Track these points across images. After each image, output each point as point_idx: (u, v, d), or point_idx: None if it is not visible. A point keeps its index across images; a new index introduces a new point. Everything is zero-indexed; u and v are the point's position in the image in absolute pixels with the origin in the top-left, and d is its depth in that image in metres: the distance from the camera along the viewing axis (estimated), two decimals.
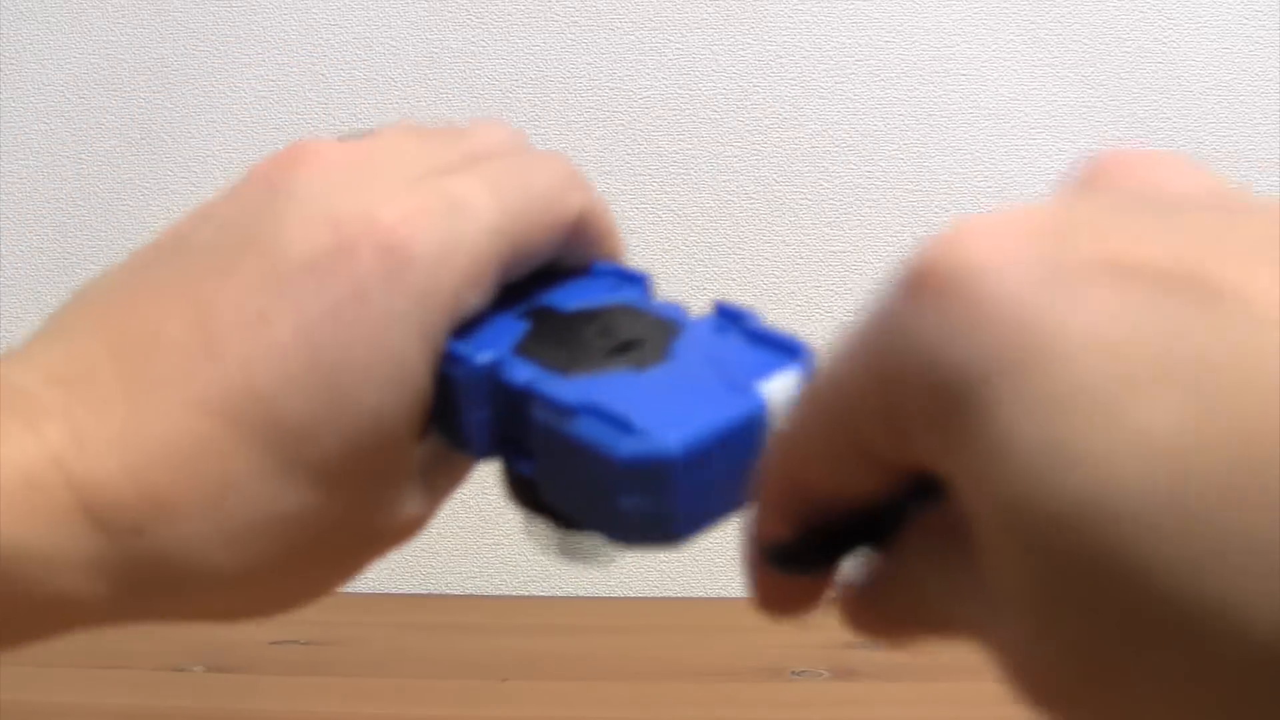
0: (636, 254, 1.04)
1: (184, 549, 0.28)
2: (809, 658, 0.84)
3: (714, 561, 0.99)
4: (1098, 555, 0.19)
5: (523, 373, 0.30)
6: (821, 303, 0.94)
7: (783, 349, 0.32)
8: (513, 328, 0.32)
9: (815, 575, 0.29)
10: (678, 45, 0.92)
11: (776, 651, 0.86)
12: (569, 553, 0.34)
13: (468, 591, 0.98)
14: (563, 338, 0.32)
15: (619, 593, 0.97)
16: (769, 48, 0.92)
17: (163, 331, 0.29)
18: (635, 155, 0.93)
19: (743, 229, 0.94)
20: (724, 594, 0.97)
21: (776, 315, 1.06)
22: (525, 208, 0.32)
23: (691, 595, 0.97)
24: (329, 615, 0.99)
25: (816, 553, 0.28)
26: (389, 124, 0.35)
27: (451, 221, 0.30)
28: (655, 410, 0.28)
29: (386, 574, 0.99)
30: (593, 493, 0.29)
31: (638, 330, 0.32)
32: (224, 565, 0.29)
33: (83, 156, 0.95)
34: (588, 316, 0.32)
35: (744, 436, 0.29)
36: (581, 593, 0.97)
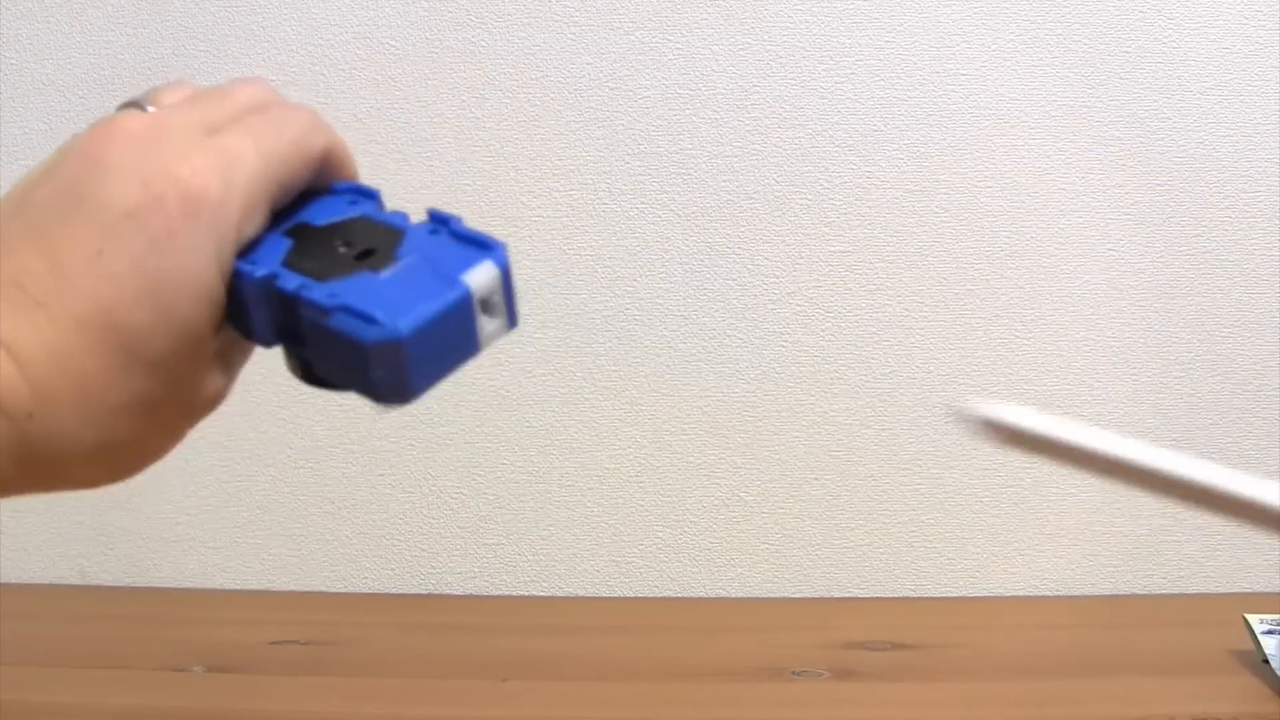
0: (636, 253, 1.04)
1: (62, 427, 0.38)
2: (809, 658, 0.84)
3: (714, 561, 0.99)
4: None
5: (291, 282, 0.40)
6: (821, 303, 0.94)
7: (480, 245, 0.43)
8: (280, 244, 0.42)
9: None
10: (678, 45, 0.92)
11: (776, 651, 0.86)
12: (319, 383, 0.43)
13: (468, 591, 0.98)
14: (317, 250, 0.42)
15: (619, 593, 0.97)
16: (769, 48, 0.92)
17: (28, 269, 0.38)
18: (635, 155, 0.93)
19: (743, 229, 0.94)
20: (724, 594, 0.97)
21: (777, 315, 1.06)
22: (282, 152, 0.42)
23: (691, 595, 0.97)
24: (329, 615, 0.99)
25: None
26: (165, 87, 0.44)
27: (230, 172, 0.40)
28: (389, 303, 0.39)
29: (386, 574, 0.99)
30: (351, 367, 0.39)
31: (372, 239, 0.42)
32: (89, 438, 0.38)
33: None
34: (334, 229, 0.43)
35: (455, 316, 0.40)
36: (581, 593, 0.97)
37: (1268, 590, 0.94)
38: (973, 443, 1.04)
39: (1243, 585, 0.96)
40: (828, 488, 0.96)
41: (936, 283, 0.94)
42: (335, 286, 0.40)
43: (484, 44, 0.93)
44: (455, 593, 0.97)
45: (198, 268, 0.39)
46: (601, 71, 0.92)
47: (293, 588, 0.97)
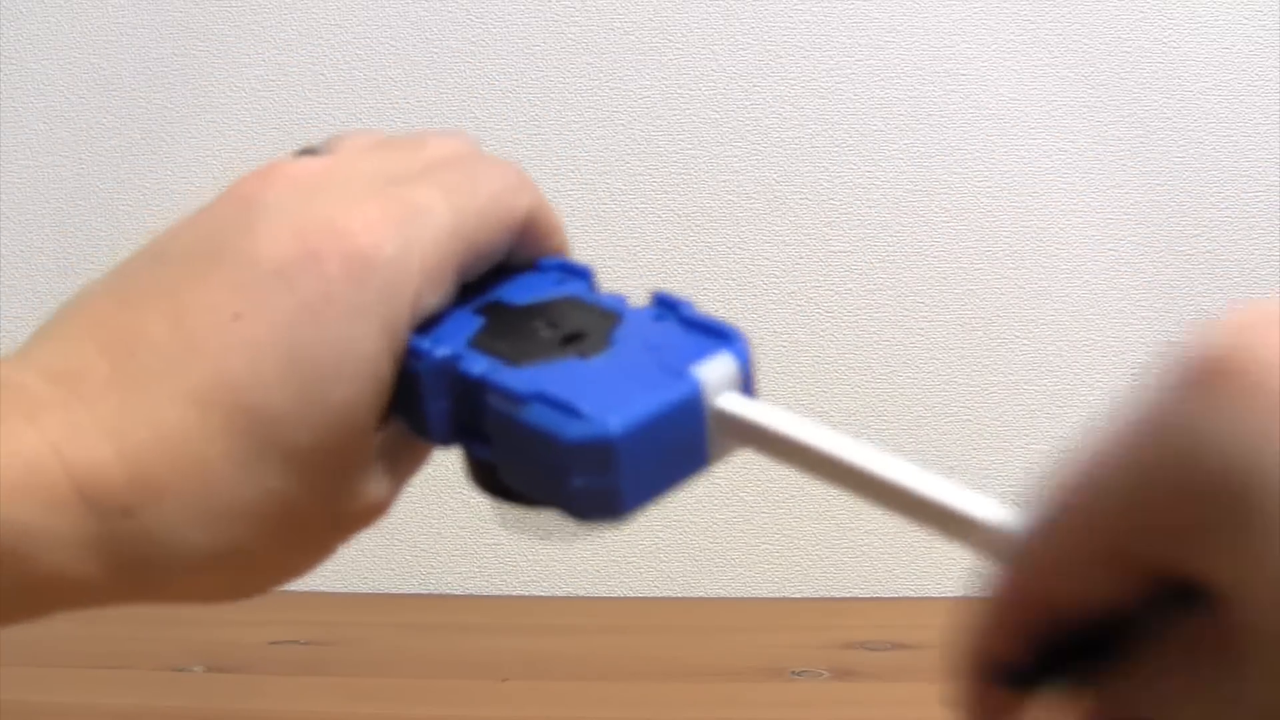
0: (636, 253, 1.05)
1: (168, 529, 0.30)
2: (809, 658, 0.84)
3: (714, 561, 0.99)
4: None
5: (478, 365, 0.33)
6: (821, 303, 0.94)
7: (716, 334, 0.34)
8: (469, 322, 0.34)
9: (1048, 691, 0.28)
10: (678, 45, 0.92)
11: (776, 651, 0.86)
12: (532, 531, 0.36)
13: (468, 591, 0.98)
14: (514, 331, 0.34)
15: (619, 593, 0.97)
16: (769, 48, 0.92)
17: (147, 331, 0.31)
18: (635, 155, 0.93)
19: (743, 229, 0.94)
20: (724, 594, 0.97)
21: (777, 315, 1.06)
22: (477, 210, 0.34)
23: (691, 595, 0.97)
24: (329, 615, 0.99)
25: (1051, 668, 0.28)
26: (349, 134, 0.38)
27: (410, 227, 0.32)
28: (598, 396, 0.31)
29: (386, 574, 0.99)
30: (546, 473, 0.32)
31: (582, 321, 0.35)
32: (203, 544, 0.31)
33: (83, 156, 0.95)
34: (536, 310, 0.35)
35: (681, 416, 0.32)
36: (581, 593, 0.97)
37: None
38: (972, 443, 1.04)
39: None
40: (827, 487, 0.96)
41: (936, 283, 0.94)
42: (533, 373, 0.32)
43: (484, 44, 0.93)
44: (455, 593, 0.97)
45: (359, 342, 0.31)
46: (601, 71, 0.92)
47: (293, 588, 0.97)
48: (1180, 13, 0.90)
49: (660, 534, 0.97)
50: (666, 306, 0.36)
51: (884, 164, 0.93)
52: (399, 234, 0.32)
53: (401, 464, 0.35)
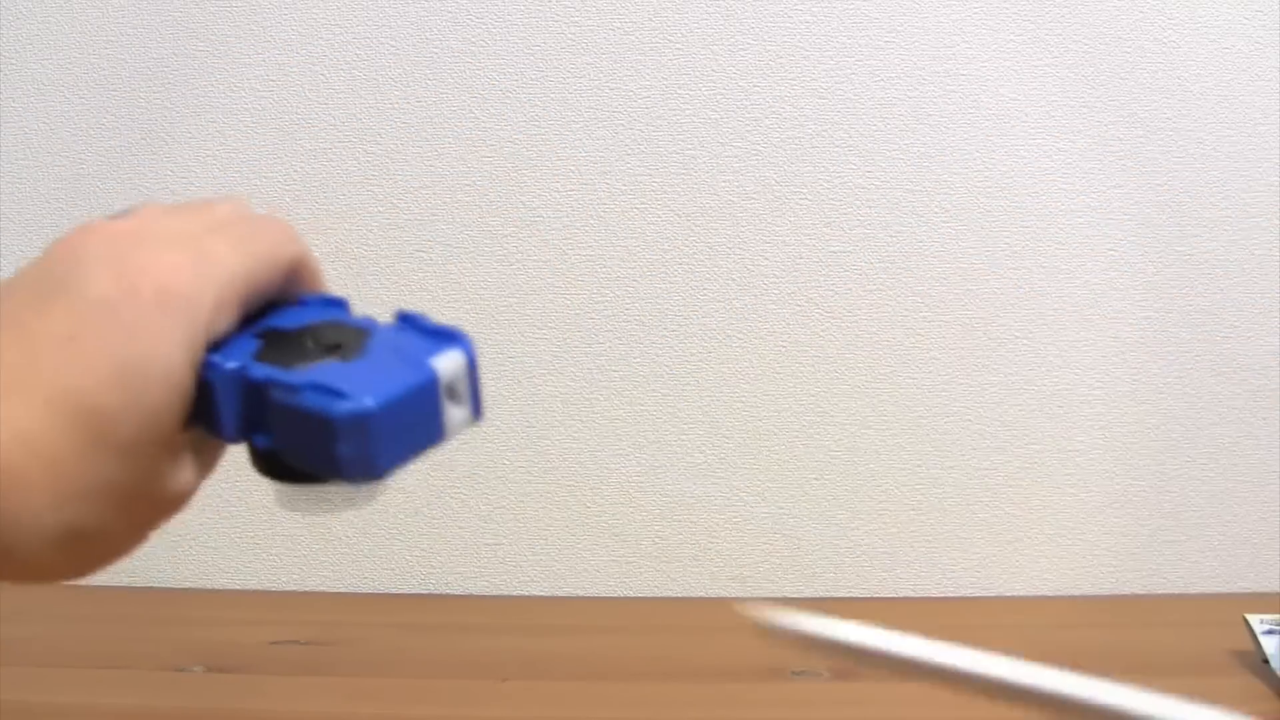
0: (636, 253, 1.04)
1: (27, 511, 0.38)
2: (809, 658, 0.84)
3: (714, 561, 0.99)
4: None
5: (261, 371, 0.41)
6: (821, 303, 0.94)
7: (447, 337, 0.43)
8: (250, 343, 0.43)
9: None
10: (678, 45, 0.92)
11: (776, 651, 0.86)
12: (308, 506, 0.44)
13: (468, 591, 0.98)
14: (287, 347, 0.43)
15: (619, 593, 0.97)
16: (769, 48, 0.92)
17: (2, 356, 0.38)
18: (635, 155, 0.93)
19: (743, 229, 0.94)
20: (724, 594, 0.97)
21: (777, 315, 1.06)
22: (256, 255, 0.44)
23: (691, 595, 0.97)
24: (329, 615, 0.99)
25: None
26: (146, 203, 0.46)
27: (205, 269, 0.41)
28: (357, 383, 0.40)
29: (386, 574, 0.99)
30: (318, 447, 0.40)
31: (341, 336, 0.43)
32: (55, 525, 0.38)
33: (83, 156, 0.95)
34: (304, 331, 0.44)
35: (421, 396, 0.41)
36: (581, 593, 0.97)
37: (1268, 590, 0.94)
38: (972, 443, 1.04)
39: (1243, 585, 0.96)
40: (828, 488, 0.96)
41: (936, 283, 0.94)
42: (305, 372, 0.41)
43: (484, 44, 0.93)
44: (455, 593, 0.97)
45: (168, 355, 0.40)
46: (601, 71, 0.92)
47: (293, 588, 0.97)
48: (1180, 13, 0.90)
49: (660, 534, 0.97)
50: (407, 321, 0.45)
51: (884, 164, 0.93)
52: (196, 274, 0.41)
53: (203, 459, 0.43)
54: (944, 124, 0.92)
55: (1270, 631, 0.82)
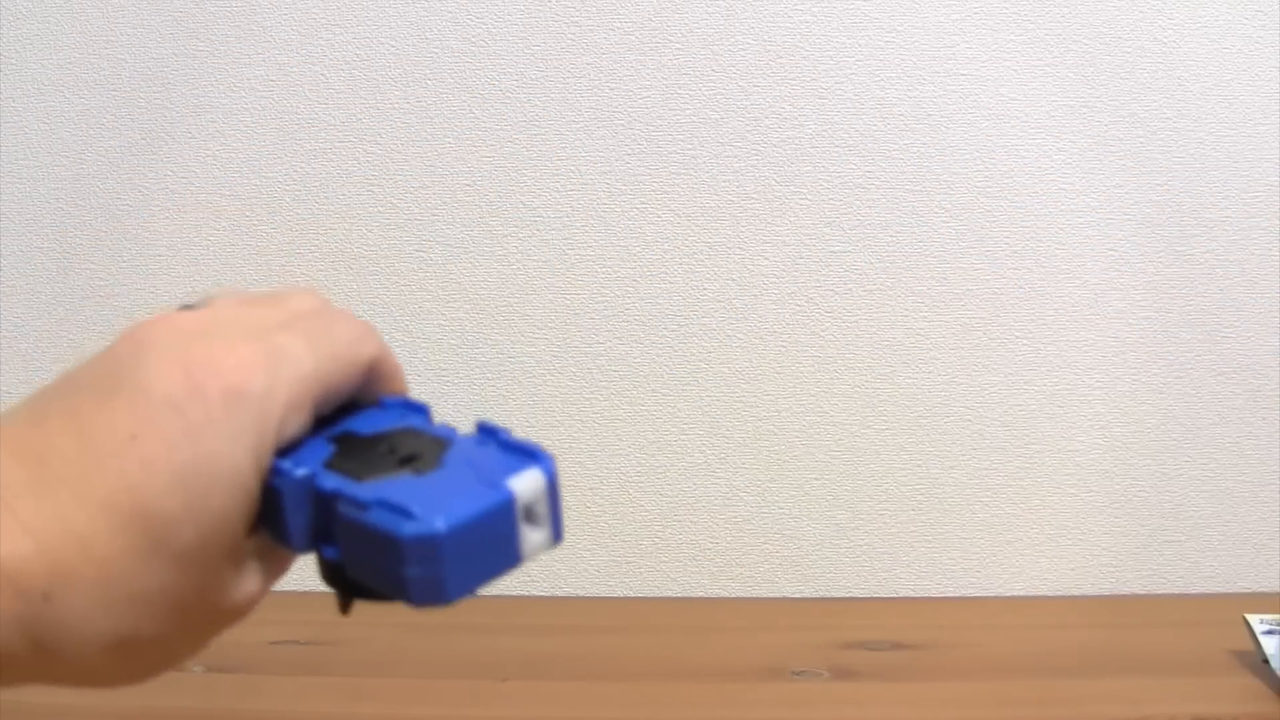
0: (636, 253, 1.04)
1: (80, 613, 0.37)
2: (809, 658, 0.84)
3: (714, 561, 0.99)
4: None
5: (331, 481, 0.39)
6: (821, 303, 0.94)
7: (527, 454, 0.41)
8: (323, 448, 0.41)
9: None
10: (678, 45, 0.92)
11: (776, 651, 0.86)
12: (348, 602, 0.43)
13: None
14: (361, 454, 0.41)
15: (619, 593, 0.97)
16: (769, 48, 0.92)
17: (57, 447, 0.37)
18: (635, 155, 0.93)
19: (743, 229, 0.94)
20: (724, 594, 0.97)
21: (776, 315, 1.06)
22: (332, 355, 0.41)
23: (691, 595, 0.97)
24: (329, 615, 0.99)
25: None
26: (219, 291, 0.44)
27: (277, 367, 0.39)
28: (429, 502, 0.38)
29: None
30: (384, 566, 0.38)
31: (418, 446, 0.41)
32: (108, 628, 0.37)
33: (83, 156, 0.95)
34: (380, 438, 0.42)
35: (495, 519, 0.39)
36: (581, 593, 0.97)
37: (1268, 590, 0.94)
38: (972, 443, 1.04)
39: (1243, 585, 0.96)
40: (828, 488, 0.96)
41: (936, 283, 0.94)
42: (375, 486, 0.39)
43: (484, 44, 0.93)
44: None
45: (233, 459, 0.38)
46: (601, 71, 0.92)
47: (293, 588, 0.97)
48: (1180, 13, 0.90)
49: (660, 534, 0.97)
50: (488, 433, 0.42)
51: (884, 164, 0.93)
52: (268, 372, 0.39)
53: (269, 567, 0.41)
54: (944, 124, 0.92)
55: (1270, 631, 0.82)
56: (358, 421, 0.43)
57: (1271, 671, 0.80)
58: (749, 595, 0.97)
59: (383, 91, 0.93)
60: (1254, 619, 0.83)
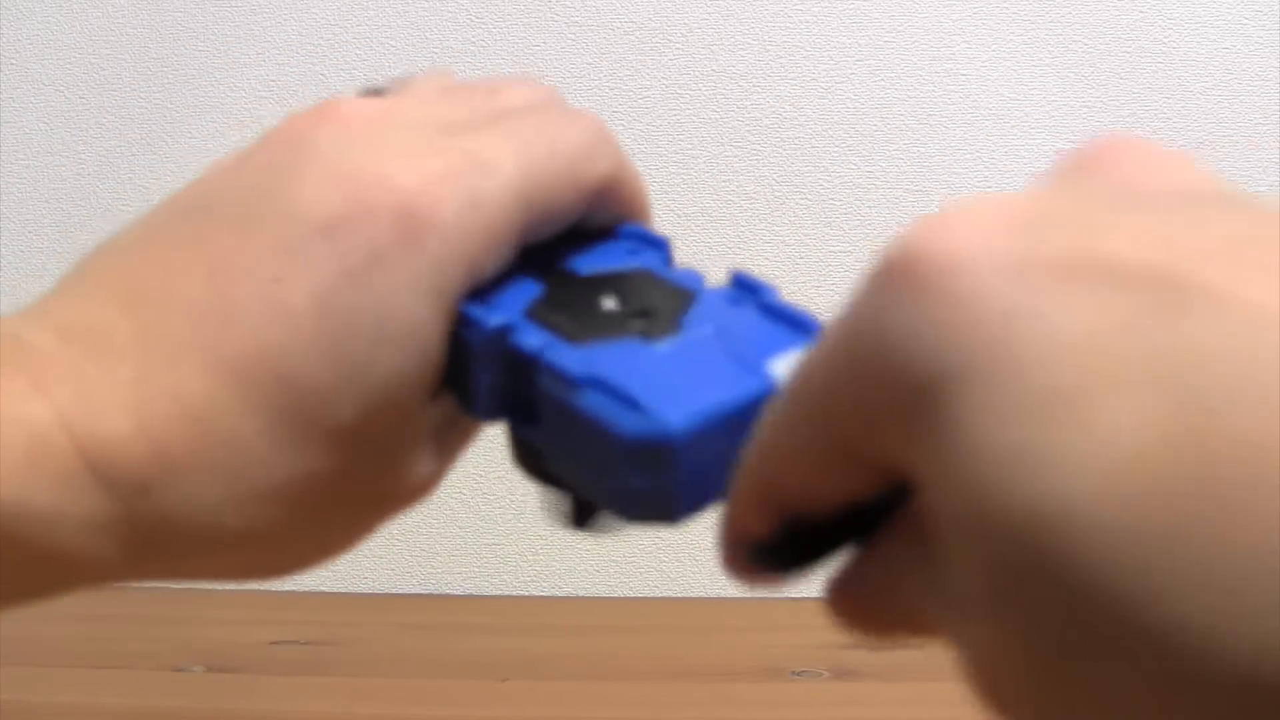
0: None
1: (193, 510, 0.28)
2: (809, 658, 0.84)
3: (714, 561, 0.99)
4: (1055, 566, 0.19)
5: (533, 338, 0.30)
6: (822, 303, 0.94)
7: (797, 325, 0.31)
8: (529, 290, 0.31)
9: (795, 571, 0.28)
10: (678, 45, 0.92)
11: (776, 651, 0.86)
12: (578, 523, 0.33)
13: (468, 591, 0.98)
14: (576, 303, 0.31)
15: (619, 593, 0.97)
16: (769, 48, 0.92)
17: (178, 291, 0.29)
18: (635, 155, 0.93)
19: (743, 229, 0.94)
20: (724, 594, 0.97)
21: None
22: (549, 169, 0.31)
23: (691, 595, 0.97)
24: (329, 615, 0.99)
25: (796, 549, 0.27)
26: (419, 75, 0.35)
27: (472, 184, 0.30)
28: (661, 386, 0.28)
29: (387, 574, 0.99)
30: (596, 466, 0.29)
31: (651, 298, 0.32)
32: (234, 527, 0.29)
33: (83, 156, 0.95)
34: (603, 281, 0.32)
35: (751, 417, 0.27)
36: (581, 593, 0.97)
37: None
38: None
39: None
40: None
41: None
42: (592, 352, 0.29)
43: (484, 44, 0.93)
44: (455, 593, 0.97)
45: (409, 310, 0.29)
46: (601, 71, 0.92)
47: (293, 588, 0.97)
48: (1180, 13, 0.90)
49: (660, 534, 0.97)
50: (746, 289, 0.33)
51: (884, 164, 0.93)
52: (459, 192, 0.29)
53: (449, 441, 0.33)
54: (944, 124, 0.92)
55: None
56: (577, 256, 0.33)
57: None
58: (749, 595, 0.97)
59: None
60: None
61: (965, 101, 0.92)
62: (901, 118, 0.92)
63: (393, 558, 0.98)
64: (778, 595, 1.06)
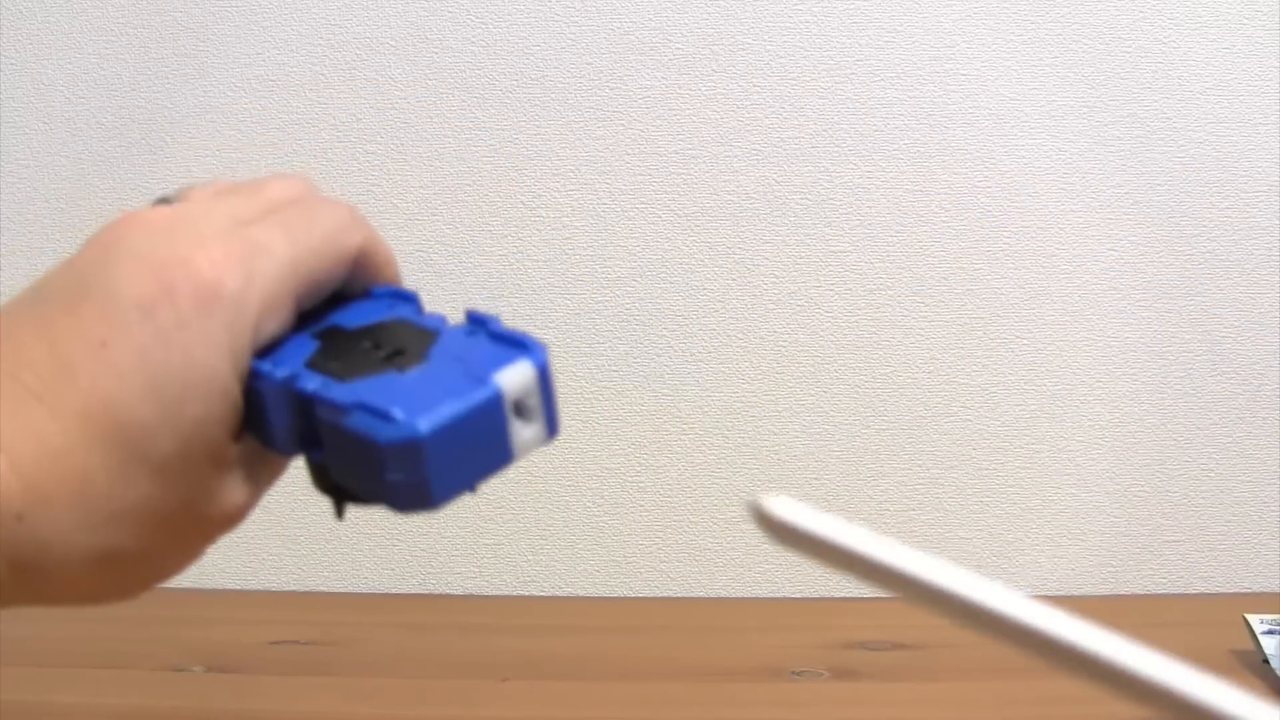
0: (636, 253, 1.04)
1: (57, 533, 0.35)
2: (809, 658, 0.84)
3: (714, 561, 0.99)
4: None
5: (311, 383, 0.37)
6: (822, 303, 0.94)
7: (517, 344, 0.39)
8: (307, 345, 0.39)
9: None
10: (678, 45, 0.92)
11: (776, 651, 0.86)
12: (339, 517, 0.41)
13: (468, 591, 0.98)
14: (344, 351, 0.39)
15: (619, 593, 0.97)
16: (769, 48, 0.92)
17: (28, 360, 0.35)
18: (635, 155, 0.93)
19: (743, 229, 0.94)
20: (724, 594, 0.97)
21: (776, 315, 1.06)
22: (313, 247, 0.39)
23: (691, 595, 0.97)
24: (329, 615, 0.99)
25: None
26: (197, 184, 0.42)
27: (252, 262, 0.37)
28: (409, 403, 0.36)
29: (387, 574, 0.99)
30: (368, 471, 0.36)
31: (404, 340, 0.39)
32: (88, 545, 0.35)
33: (83, 156, 0.95)
34: (366, 331, 0.40)
35: (482, 416, 0.37)
36: (581, 593, 0.97)
37: (1268, 590, 0.94)
38: (972, 443, 1.04)
39: (1243, 585, 0.96)
40: (827, 488, 0.96)
41: (936, 283, 0.94)
42: (357, 386, 0.37)
43: (484, 44, 0.93)
44: (455, 593, 0.97)
45: (209, 363, 0.36)
46: (601, 71, 0.92)
47: (293, 588, 0.97)
48: (1180, 13, 0.90)
49: (660, 534, 0.97)
50: (477, 322, 0.40)
51: (884, 164, 0.93)
52: (242, 269, 0.37)
53: (258, 473, 0.39)
54: (944, 124, 0.92)
55: (1270, 631, 0.82)
56: (344, 315, 0.41)
57: (1271, 671, 0.80)
58: (749, 595, 0.97)
59: (383, 91, 0.93)
60: (1254, 619, 0.83)
61: (965, 101, 0.92)
62: (901, 118, 0.92)
63: (393, 558, 0.98)
64: (778, 595, 1.06)
